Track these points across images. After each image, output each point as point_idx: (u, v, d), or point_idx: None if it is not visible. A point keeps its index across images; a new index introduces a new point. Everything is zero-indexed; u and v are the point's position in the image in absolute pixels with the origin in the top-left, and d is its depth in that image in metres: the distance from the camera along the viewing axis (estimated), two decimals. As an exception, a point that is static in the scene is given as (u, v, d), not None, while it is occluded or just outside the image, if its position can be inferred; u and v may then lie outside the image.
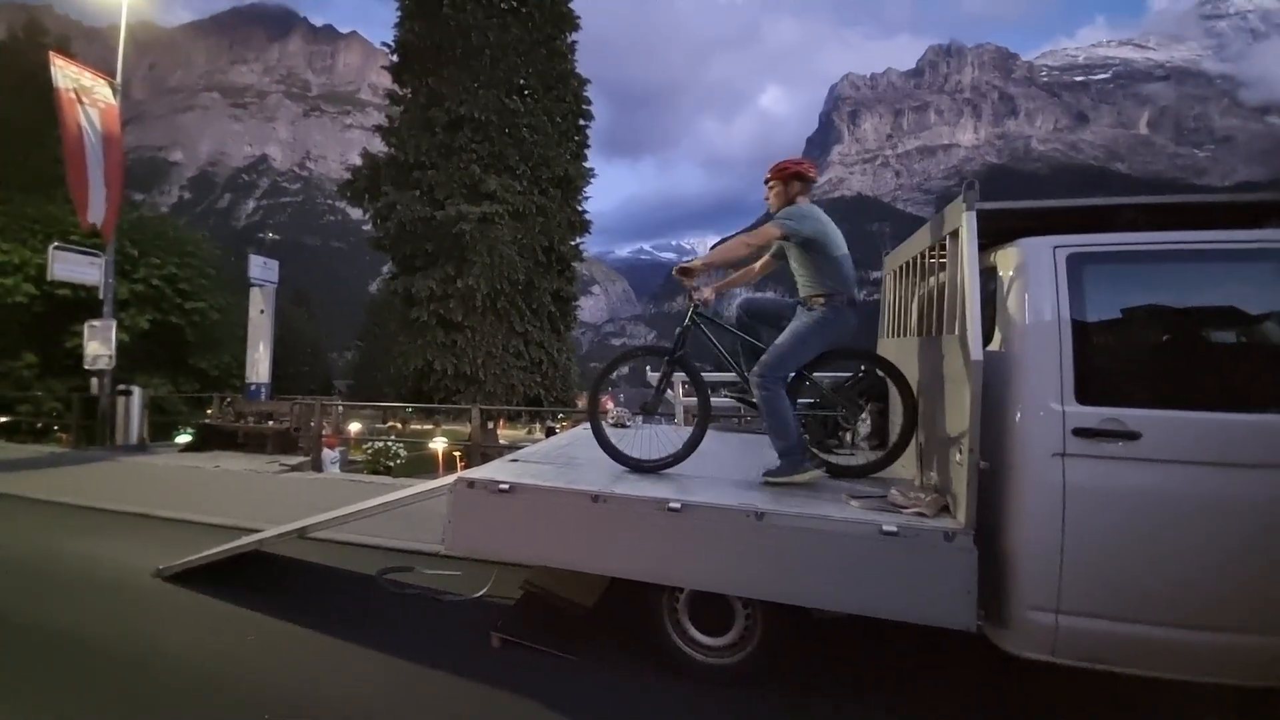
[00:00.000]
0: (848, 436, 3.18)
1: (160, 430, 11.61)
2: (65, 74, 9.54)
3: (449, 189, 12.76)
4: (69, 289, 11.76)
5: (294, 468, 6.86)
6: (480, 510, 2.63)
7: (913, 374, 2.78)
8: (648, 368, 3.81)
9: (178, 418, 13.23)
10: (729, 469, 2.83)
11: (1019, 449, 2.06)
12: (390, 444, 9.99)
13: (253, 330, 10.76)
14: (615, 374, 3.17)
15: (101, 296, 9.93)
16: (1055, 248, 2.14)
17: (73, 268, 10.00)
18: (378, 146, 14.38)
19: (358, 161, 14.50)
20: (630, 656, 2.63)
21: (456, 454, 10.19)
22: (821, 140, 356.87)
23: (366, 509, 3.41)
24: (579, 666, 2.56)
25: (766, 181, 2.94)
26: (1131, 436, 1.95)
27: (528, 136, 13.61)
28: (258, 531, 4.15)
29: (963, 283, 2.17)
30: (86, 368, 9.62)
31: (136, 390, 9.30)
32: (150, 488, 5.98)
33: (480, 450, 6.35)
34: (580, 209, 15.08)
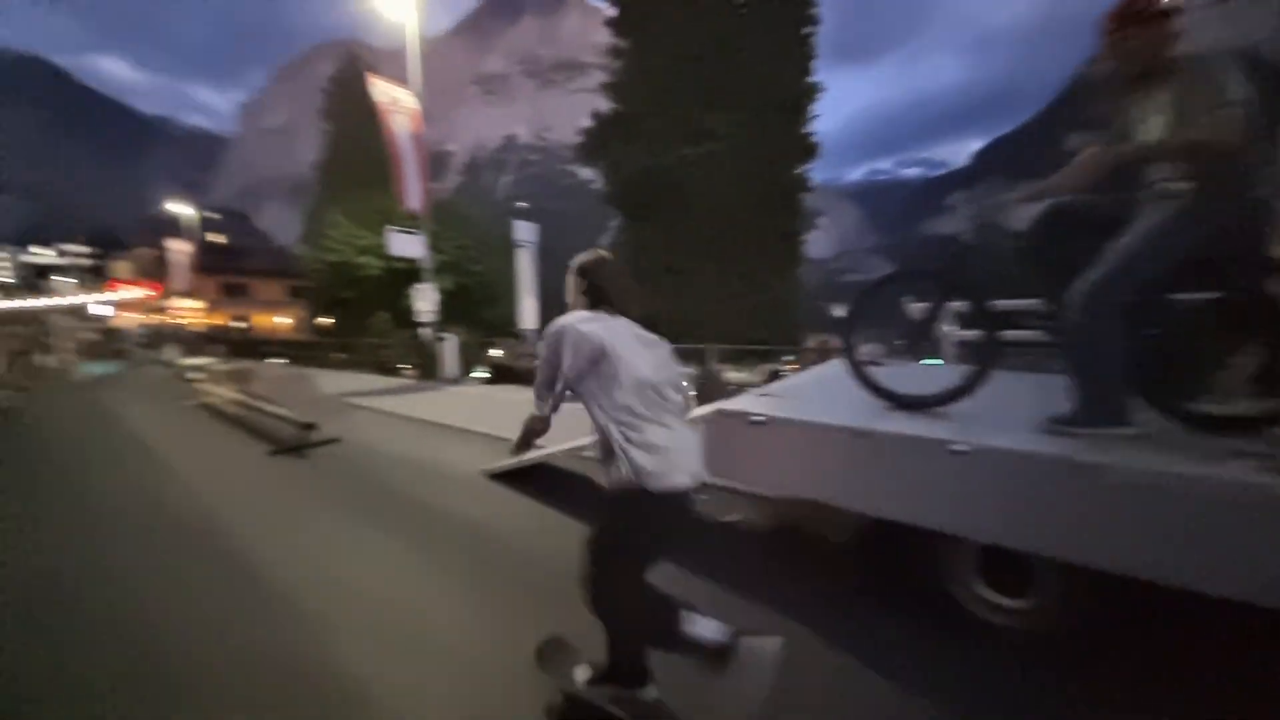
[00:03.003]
0: (1221, 377, 2.40)
1: (463, 368, 15.05)
2: (381, 90, 12.43)
3: (669, 134, 13.10)
4: (403, 261, 15.74)
5: (561, 399, 8.25)
6: (735, 441, 2.78)
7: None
8: (907, 297, 3.42)
9: (475, 358, 16.94)
10: (1014, 411, 2.42)
11: None
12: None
13: (521, 284, 12.99)
14: (874, 302, 2.92)
15: (423, 266, 13.08)
16: None
17: (401, 244, 13.36)
18: (604, 105, 15.44)
19: (583, 126, 15.84)
20: (900, 604, 2.53)
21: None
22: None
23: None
24: (847, 603, 2.56)
25: (1108, 33, 2.11)
26: None
27: (746, 61, 13.00)
28: (543, 449, 5.12)
29: None
30: (417, 321, 12.93)
31: (452, 337, 12.15)
32: (467, 409, 7.87)
33: (715, 389, 6.68)
34: (806, 132, 13.99)
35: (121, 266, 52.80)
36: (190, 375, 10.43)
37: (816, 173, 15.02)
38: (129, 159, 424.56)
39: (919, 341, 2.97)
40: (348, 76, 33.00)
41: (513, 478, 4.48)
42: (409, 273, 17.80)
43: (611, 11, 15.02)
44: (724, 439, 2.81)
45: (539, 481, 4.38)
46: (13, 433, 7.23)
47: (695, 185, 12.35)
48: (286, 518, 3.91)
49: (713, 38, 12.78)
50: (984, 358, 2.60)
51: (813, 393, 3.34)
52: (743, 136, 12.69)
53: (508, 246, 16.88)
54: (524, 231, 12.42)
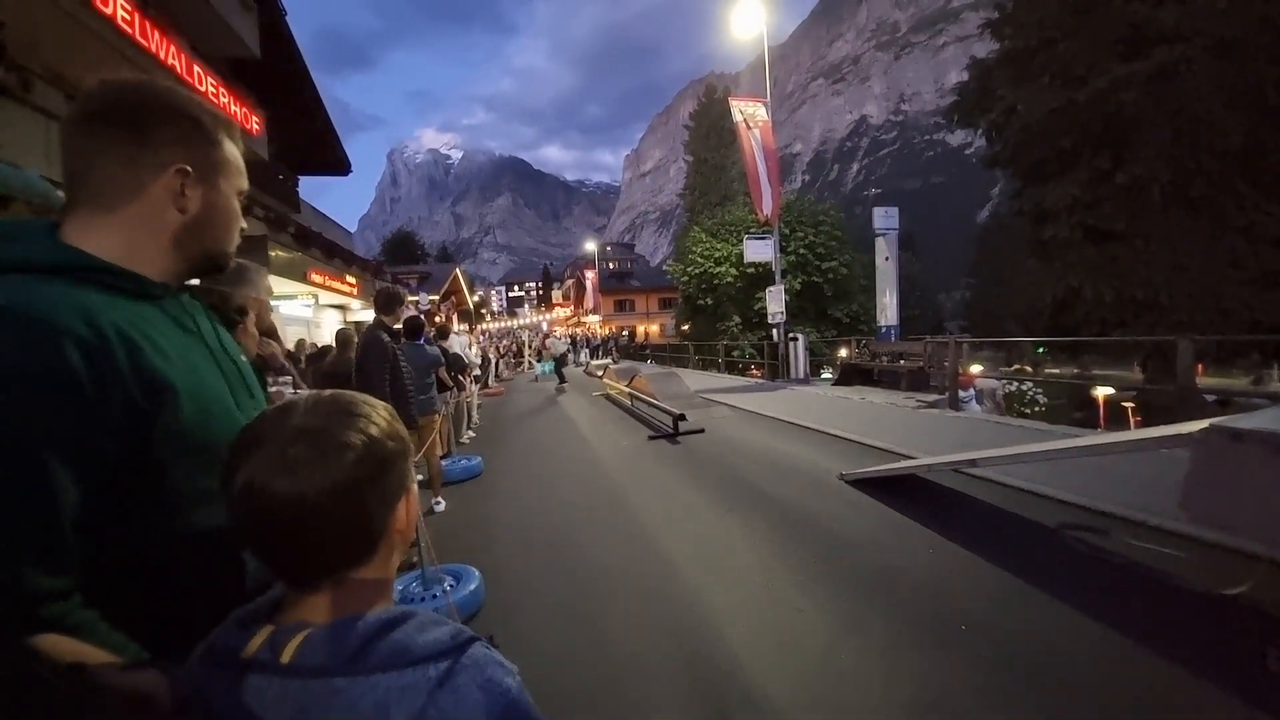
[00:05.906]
0: None
1: (810, 368, 15.10)
2: (738, 109, 13.52)
3: (1092, 54, 10.06)
4: (754, 267, 16.89)
5: (930, 404, 7.30)
6: (1255, 475, 1.88)
7: None
8: None
9: (822, 358, 16.79)
10: None
11: None
12: (1026, 389, 9.10)
13: (880, 277, 12.17)
14: None
15: (774, 269, 13.69)
16: None
17: (756, 250, 14.29)
18: (983, 51, 13.07)
19: (956, 81, 13.67)
20: None
21: (1128, 405, 8.08)
22: None
23: (1039, 452, 3.14)
24: None
25: None
26: None
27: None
28: (910, 458, 4.61)
29: None
30: (770, 322, 13.56)
31: (801, 337, 12.34)
32: (818, 410, 7.80)
33: (1184, 399, 4.69)
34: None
35: (556, 294, 75.21)
36: (595, 372, 13.66)
37: None
38: (561, 216, 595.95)
39: None
40: (705, 108, 37.38)
41: (873, 485, 4.16)
42: (758, 277, 19.00)
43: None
44: (1234, 471, 1.93)
45: (903, 493, 3.95)
46: (506, 399, 12.63)
47: (1142, 114, 9.07)
48: (665, 490, 4.62)
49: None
50: None
51: None
52: (1231, 26, 8.68)
53: (857, 239, 15.94)
54: (882, 218, 11.59)
